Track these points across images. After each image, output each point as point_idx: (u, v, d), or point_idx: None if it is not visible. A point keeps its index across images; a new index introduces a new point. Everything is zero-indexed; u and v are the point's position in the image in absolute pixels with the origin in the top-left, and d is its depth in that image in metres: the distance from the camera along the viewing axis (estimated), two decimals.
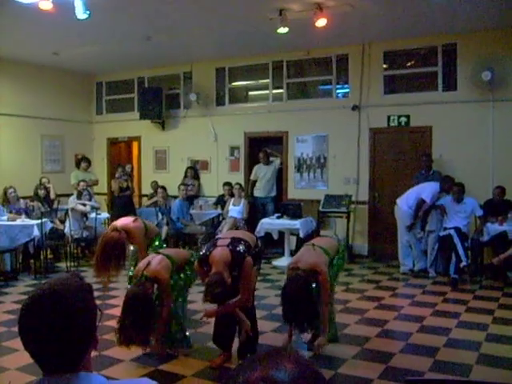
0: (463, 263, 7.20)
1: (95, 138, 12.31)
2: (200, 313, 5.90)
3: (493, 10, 7.22)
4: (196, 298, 6.56)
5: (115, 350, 4.72)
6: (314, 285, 4.35)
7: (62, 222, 9.10)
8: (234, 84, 10.77)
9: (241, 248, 4.15)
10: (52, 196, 9.55)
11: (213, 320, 4.66)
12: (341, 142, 9.50)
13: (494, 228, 7.42)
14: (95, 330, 1.44)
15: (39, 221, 7.88)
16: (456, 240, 7.32)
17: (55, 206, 9.63)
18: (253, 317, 4.50)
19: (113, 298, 6.62)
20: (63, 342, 1.34)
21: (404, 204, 8.04)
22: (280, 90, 10.20)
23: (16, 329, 1.37)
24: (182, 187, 9.93)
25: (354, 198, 9.24)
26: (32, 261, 8.15)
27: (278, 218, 8.93)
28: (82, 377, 1.37)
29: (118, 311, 5.91)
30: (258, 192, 9.96)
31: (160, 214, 9.44)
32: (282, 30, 7.51)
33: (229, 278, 3.99)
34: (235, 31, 8.44)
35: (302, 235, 8.30)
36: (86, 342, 1.41)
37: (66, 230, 8.58)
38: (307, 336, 4.93)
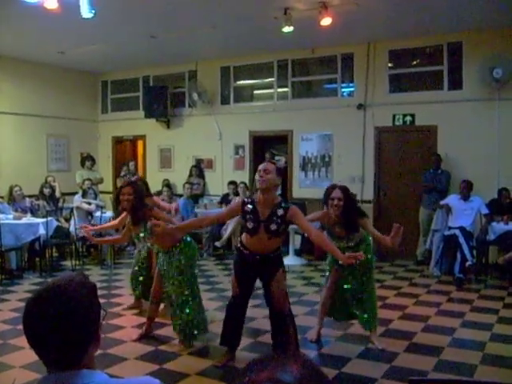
0: (469, 262, 7.19)
1: (100, 137, 12.34)
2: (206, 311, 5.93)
3: (498, 8, 7.19)
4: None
5: (119, 348, 4.75)
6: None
7: (68, 220, 9.13)
8: (238, 83, 10.76)
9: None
10: (57, 194, 9.59)
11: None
12: (346, 141, 9.49)
13: (499, 227, 7.39)
14: (98, 328, 1.45)
15: (45, 219, 7.91)
16: (461, 240, 7.30)
17: (60, 204, 9.67)
18: (291, 320, 4.33)
19: (117, 296, 6.63)
20: (64, 336, 1.35)
21: None
22: (285, 89, 10.20)
23: (21, 327, 1.38)
24: (187, 186, 9.94)
25: (359, 197, 9.21)
26: (37, 259, 8.19)
27: None
28: (84, 374, 1.39)
29: (121, 311, 5.95)
30: None
31: (165, 213, 9.43)
32: (287, 28, 7.51)
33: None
34: (240, 30, 8.44)
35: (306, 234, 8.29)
36: (87, 339, 1.42)
37: (72, 229, 8.61)
38: (313, 335, 4.95)
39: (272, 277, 4.16)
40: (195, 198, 10.28)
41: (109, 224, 5.80)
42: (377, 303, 5.01)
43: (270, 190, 3.98)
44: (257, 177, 4.01)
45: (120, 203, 4.63)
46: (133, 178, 5.22)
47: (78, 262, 8.63)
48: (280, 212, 3.94)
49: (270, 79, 10.36)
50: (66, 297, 1.37)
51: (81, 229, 5.64)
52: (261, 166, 4.05)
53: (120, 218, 5.14)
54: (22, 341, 4.80)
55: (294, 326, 4.32)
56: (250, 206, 4.05)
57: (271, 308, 4.28)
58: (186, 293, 4.69)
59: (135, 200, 4.58)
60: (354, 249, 4.62)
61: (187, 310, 4.69)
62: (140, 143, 12.60)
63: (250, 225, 4.04)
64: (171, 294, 4.77)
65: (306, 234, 4.72)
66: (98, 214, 8.73)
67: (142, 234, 4.74)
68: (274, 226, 3.95)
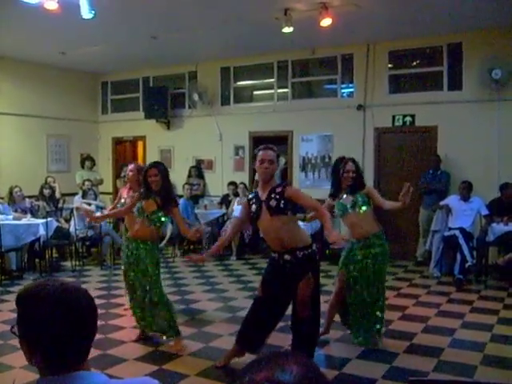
0: (469, 263, 7.18)
1: (100, 138, 12.35)
2: (203, 313, 5.94)
3: (498, 9, 7.20)
4: (200, 298, 6.60)
5: (119, 349, 4.75)
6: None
7: (68, 221, 9.13)
8: (238, 83, 10.77)
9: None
10: (57, 195, 9.59)
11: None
12: (346, 142, 9.48)
13: (499, 228, 7.38)
14: (96, 330, 1.46)
15: (45, 220, 7.91)
16: (461, 241, 7.30)
17: (60, 205, 9.67)
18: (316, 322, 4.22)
19: (117, 297, 6.63)
20: (78, 338, 1.36)
21: None
22: (285, 90, 10.20)
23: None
24: (187, 186, 9.94)
25: None
26: (37, 260, 8.19)
27: None
28: (83, 375, 1.38)
29: (121, 311, 5.95)
30: None
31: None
32: (287, 29, 7.51)
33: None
34: (240, 31, 8.44)
35: None
36: (92, 340, 1.43)
37: (71, 229, 8.61)
38: None
39: (299, 280, 3.99)
40: (195, 199, 10.28)
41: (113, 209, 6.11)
42: (383, 320, 4.87)
43: (271, 178, 4.07)
44: (261, 168, 3.98)
45: (148, 186, 4.70)
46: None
47: (77, 263, 8.63)
48: (278, 189, 3.99)
49: (270, 80, 10.36)
50: (80, 299, 1.39)
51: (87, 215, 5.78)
52: (264, 155, 3.99)
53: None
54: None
55: (312, 333, 4.18)
56: (252, 195, 4.17)
57: (292, 310, 4.16)
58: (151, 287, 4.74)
59: (162, 179, 4.69)
60: (365, 249, 4.78)
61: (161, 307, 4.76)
62: (140, 144, 12.60)
63: (253, 208, 4.09)
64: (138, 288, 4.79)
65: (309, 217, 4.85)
66: (97, 214, 8.71)
67: (145, 215, 4.74)
68: (273, 202, 3.95)
